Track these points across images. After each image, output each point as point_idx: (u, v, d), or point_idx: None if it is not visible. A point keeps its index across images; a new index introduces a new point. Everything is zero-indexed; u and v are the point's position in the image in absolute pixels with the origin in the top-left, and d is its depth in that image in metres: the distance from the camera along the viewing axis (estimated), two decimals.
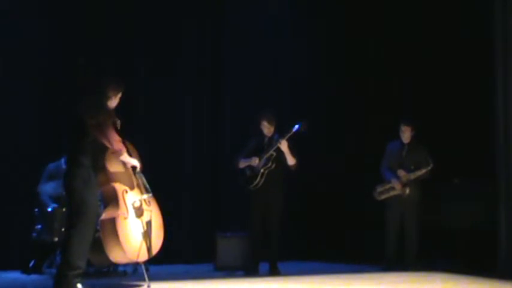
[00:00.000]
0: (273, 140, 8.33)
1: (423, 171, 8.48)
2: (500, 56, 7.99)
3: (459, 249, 8.63)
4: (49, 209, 8.18)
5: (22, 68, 9.28)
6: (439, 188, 8.75)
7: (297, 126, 8.18)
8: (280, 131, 8.33)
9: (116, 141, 6.28)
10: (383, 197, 8.69)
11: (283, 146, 8.18)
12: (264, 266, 8.37)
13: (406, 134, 8.67)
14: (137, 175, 6.73)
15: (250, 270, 8.31)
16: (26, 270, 8.26)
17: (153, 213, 6.79)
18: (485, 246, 8.28)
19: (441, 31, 9.48)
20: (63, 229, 7.78)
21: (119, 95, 6.53)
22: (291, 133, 8.18)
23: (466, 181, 8.67)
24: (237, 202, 9.50)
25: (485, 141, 8.40)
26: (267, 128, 8.40)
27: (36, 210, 8.30)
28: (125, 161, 6.55)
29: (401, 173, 8.56)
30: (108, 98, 6.44)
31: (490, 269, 7.91)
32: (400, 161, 8.67)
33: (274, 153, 8.24)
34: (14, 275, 8.31)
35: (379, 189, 8.71)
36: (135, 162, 6.63)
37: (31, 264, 8.27)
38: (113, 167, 6.55)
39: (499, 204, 7.98)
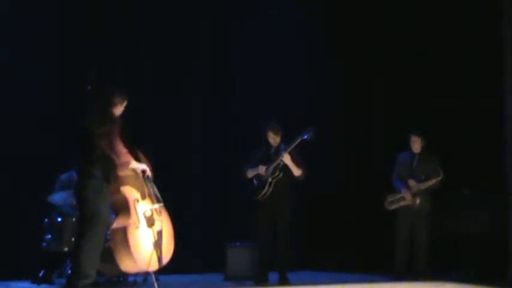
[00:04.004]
0: (280, 150, 8.33)
1: (433, 181, 8.47)
2: (510, 63, 7.99)
3: (469, 259, 8.60)
4: (59, 219, 8.19)
5: (25, 70, 9.33)
6: (449, 197, 8.74)
7: (302, 136, 8.18)
8: (289, 138, 8.32)
9: (122, 154, 6.28)
10: (393, 206, 8.69)
11: (286, 159, 8.18)
12: (273, 276, 8.36)
13: (416, 144, 8.68)
14: (149, 185, 6.73)
15: (259, 280, 8.31)
16: (35, 280, 8.22)
17: (164, 223, 6.78)
18: (496, 255, 8.26)
19: (450, 37, 9.46)
20: (73, 239, 7.79)
21: (125, 103, 6.54)
22: (295, 144, 8.18)
23: (476, 191, 8.65)
24: (246, 212, 9.49)
25: (495, 150, 8.40)
26: (273, 139, 8.41)
27: (46, 220, 8.29)
28: (134, 168, 6.55)
29: (411, 183, 8.56)
30: (113, 105, 6.44)
31: (500, 278, 7.89)
32: (411, 171, 8.66)
33: (282, 162, 8.24)
34: (24, 285, 8.29)
35: (390, 199, 8.71)
36: (143, 166, 6.63)
37: (41, 274, 8.24)
38: (124, 171, 6.55)
39: (509, 213, 7.96)
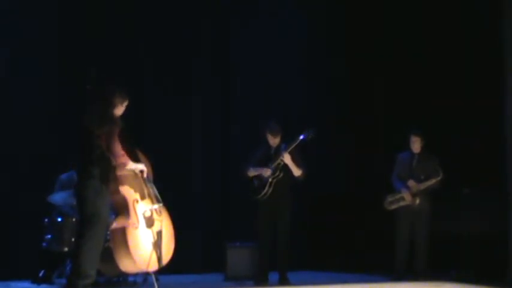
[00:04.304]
0: (280, 150, 8.33)
1: (433, 181, 8.46)
2: (510, 63, 7.97)
3: (469, 259, 8.59)
4: (59, 219, 8.19)
5: (25, 70, 9.33)
6: (449, 197, 8.72)
7: (302, 136, 8.18)
8: (289, 138, 8.32)
9: (119, 155, 6.28)
10: (393, 206, 8.68)
11: (287, 159, 8.18)
12: (273, 276, 8.36)
13: (415, 144, 8.68)
14: (148, 185, 6.73)
15: (259, 280, 8.31)
16: (35, 280, 8.22)
17: (163, 223, 6.78)
18: (496, 255, 8.26)
19: (450, 37, 9.45)
20: (73, 239, 7.79)
21: (125, 104, 6.53)
22: (295, 144, 8.19)
23: (476, 191, 8.64)
24: (246, 212, 9.49)
25: (495, 150, 8.39)
26: (272, 140, 8.41)
27: (46, 220, 8.29)
28: (131, 169, 6.55)
29: (411, 183, 8.56)
30: (114, 106, 6.43)
31: (500, 278, 7.88)
32: (411, 171, 8.66)
33: (282, 162, 8.24)
34: (24, 285, 8.29)
35: (389, 199, 8.70)
36: (141, 166, 6.62)
37: (41, 274, 8.23)
38: (122, 171, 6.55)
39: (510, 213, 7.95)
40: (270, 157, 8.39)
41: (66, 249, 8.02)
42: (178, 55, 10.19)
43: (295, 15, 10.81)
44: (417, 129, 8.71)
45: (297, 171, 8.27)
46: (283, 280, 8.28)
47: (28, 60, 9.36)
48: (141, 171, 6.64)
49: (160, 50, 10.11)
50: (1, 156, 9.08)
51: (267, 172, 8.26)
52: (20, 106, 9.27)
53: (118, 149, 6.26)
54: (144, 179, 6.69)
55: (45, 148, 9.10)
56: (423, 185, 8.50)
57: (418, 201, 8.51)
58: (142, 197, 6.71)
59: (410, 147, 8.74)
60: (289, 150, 8.20)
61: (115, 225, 6.64)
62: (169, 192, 7.18)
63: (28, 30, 9.40)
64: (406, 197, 8.55)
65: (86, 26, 9.52)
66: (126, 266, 6.71)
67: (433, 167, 8.51)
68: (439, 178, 8.44)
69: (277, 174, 8.26)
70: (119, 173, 6.49)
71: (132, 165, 6.51)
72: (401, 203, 8.60)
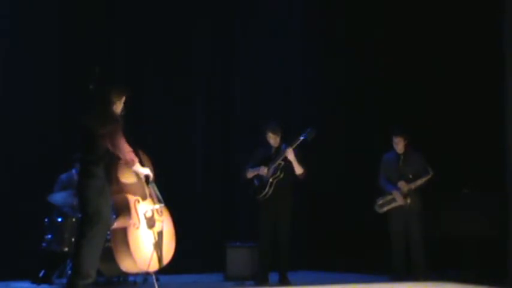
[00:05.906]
0: (280, 150, 8.33)
1: (423, 179, 8.44)
2: (510, 63, 7.97)
3: (469, 259, 8.60)
4: (59, 219, 8.19)
5: (25, 69, 9.34)
6: (449, 198, 8.72)
7: (303, 136, 8.18)
8: (290, 138, 8.32)
9: (127, 152, 6.27)
10: (385, 209, 8.61)
11: (290, 155, 8.17)
12: (273, 276, 8.36)
13: (399, 145, 8.61)
14: (150, 185, 6.73)
15: (260, 280, 8.31)
16: (35, 281, 8.22)
17: (164, 224, 6.78)
18: (496, 255, 8.26)
19: (449, 35, 9.45)
20: (73, 239, 7.79)
21: (123, 99, 6.52)
22: (298, 142, 8.18)
23: (476, 191, 8.64)
24: (246, 212, 9.50)
25: (495, 150, 8.39)
26: (273, 139, 8.41)
27: (46, 220, 8.29)
28: (137, 171, 6.54)
29: (401, 183, 8.52)
30: (113, 103, 6.43)
31: (500, 278, 7.89)
32: (398, 172, 8.60)
33: (282, 163, 8.24)
34: (24, 285, 8.29)
35: (380, 201, 8.63)
36: (147, 171, 6.61)
37: (41, 274, 8.23)
38: (126, 177, 6.56)
39: (510, 213, 7.96)
40: (270, 157, 8.39)
41: (66, 249, 8.02)
42: (178, 55, 10.20)
43: (295, 15, 10.83)
44: (398, 129, 8.66)
45: (299, 169, 8.27)
46: (284, 280, 8.27)
47: (29, 60, 9.36)
48: (147, 176, 6.62)
49: (160, 50, 10.11)
50: (1, 156, 9.08)
51: (263, 170, 8.26)
52: (20, 106, 9.27)
53: (125, 146, 6.25)
54: (147, 181, 6.69)
55: (46, 148, 9.10)
56: (414, 184, 8.46)
57: (409, 201, 8.47)
58: (144, 198, 6.72)
59: (394, 148, 8.69)
60: (293, 147, 8.19)
61: (116, 225, 6.65)
62: (169, 192, 7.17)
63: (28, 30, 9.40)
64: (397, 197, 8.51)
65: (87, 25, 9.53)
66: (126, 266, 6.72)
67: (421, 165, 8.48)
68: (429, 176, 8.42)
69: (277, 174, 8.26)
70: (125, 177, 6.50)
71: (139, 169, 6.49)
72: (393, 204, 8.55)
